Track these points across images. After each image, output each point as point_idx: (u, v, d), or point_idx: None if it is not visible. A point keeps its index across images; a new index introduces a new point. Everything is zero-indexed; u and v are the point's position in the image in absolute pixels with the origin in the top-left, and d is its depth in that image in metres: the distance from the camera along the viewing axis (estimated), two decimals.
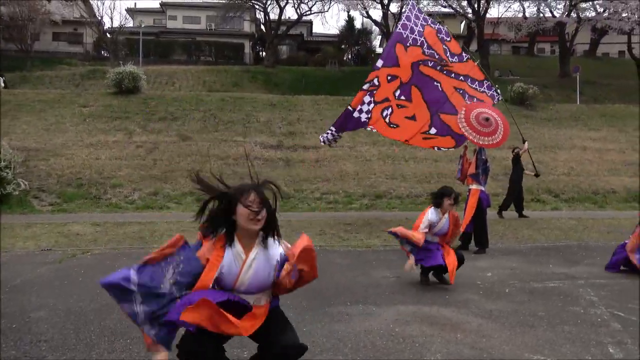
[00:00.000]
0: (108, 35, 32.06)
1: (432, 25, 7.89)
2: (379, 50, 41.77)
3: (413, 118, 7.75)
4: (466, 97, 7.55)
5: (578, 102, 23.68)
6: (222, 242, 2.50)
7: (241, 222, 2.45)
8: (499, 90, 8.01)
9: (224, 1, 32.21)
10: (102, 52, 33.09)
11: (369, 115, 7.86)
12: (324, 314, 4.14)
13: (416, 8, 8.43)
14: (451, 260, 4.92)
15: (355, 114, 7.91)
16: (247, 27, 37.52)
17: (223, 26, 35.09)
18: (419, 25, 7.79)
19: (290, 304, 4.43)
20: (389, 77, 7.71)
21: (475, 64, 7.76)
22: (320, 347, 3.39)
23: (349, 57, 36.68)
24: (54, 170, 13.42)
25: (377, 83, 7.83)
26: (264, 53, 35.17)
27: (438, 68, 7.60)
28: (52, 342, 3.47)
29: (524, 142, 9.79)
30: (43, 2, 28.46)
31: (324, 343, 3.47)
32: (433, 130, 7.77)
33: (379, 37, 41.18)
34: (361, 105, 7.86)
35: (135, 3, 56.89)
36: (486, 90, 7.70)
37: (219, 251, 2.46)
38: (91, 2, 33.85)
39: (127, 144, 15.60)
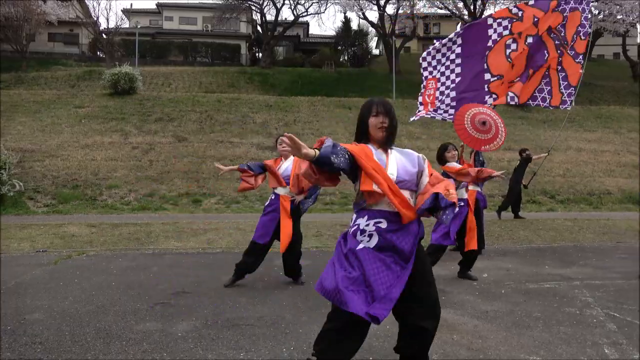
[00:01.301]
0: (104, 36, 31.94)
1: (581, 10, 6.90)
2: (376, 51, 41.86)
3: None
4: (543, 82, 6.90)
5: (573, 104, 23.76)
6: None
7: (371, 131, 2.64)
8: (573, 103, 7.28)
9: (220, 2, 32.18)
10: (98, 53, 32.98)
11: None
12: (320, 315, 4.13)
13: None
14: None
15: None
16: (244, 28, 37.50)
17: (219, 27, 35.06)
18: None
19: (287, 304, 4.44)
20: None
21: (581, 71, 6.90)
22: None
23: (346, 58, 36.70)
24: (50, 172, 13.37)
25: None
26: (260, 54, 35.16)
27: (557, 43, 6.76)
28: (48, 344, 3.45)
29: (548, 152, 9.71)
30: (38, 3, 28.33)
31: None
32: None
33: (375, 39, 41.29)
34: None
35: (131, 4, 56.77)
36: (564, 91, 7.04)
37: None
38: (87, 2, 33.69)
39: (123, 145, 15.56)
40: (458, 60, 6.97)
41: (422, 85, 7.47)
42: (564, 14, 6.52)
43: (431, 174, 2.64)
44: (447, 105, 6.98)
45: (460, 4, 31.02)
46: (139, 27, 32.68)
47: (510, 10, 6.80)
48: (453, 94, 6.94)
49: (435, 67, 7.17)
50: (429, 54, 7.31)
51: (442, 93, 7.08)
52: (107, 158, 14.59)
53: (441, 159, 5.78)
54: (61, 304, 4.41)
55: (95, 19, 32.79)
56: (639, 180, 14.48)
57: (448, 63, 7.04)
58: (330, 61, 32.02)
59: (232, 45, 35.35)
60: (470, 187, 7.25)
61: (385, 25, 32.24)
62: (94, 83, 22.84)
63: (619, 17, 28.44)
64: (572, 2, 6.52)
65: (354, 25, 38.13)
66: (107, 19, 79.72)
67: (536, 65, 6.63)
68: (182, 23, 38.37)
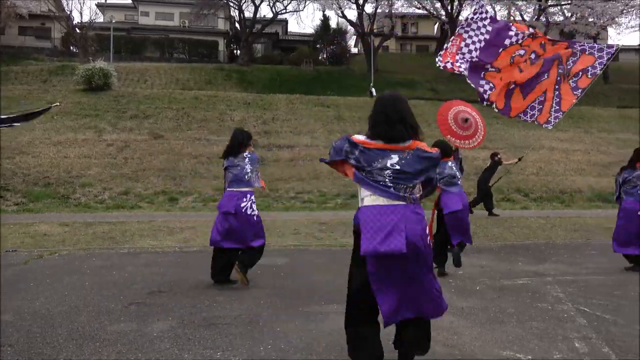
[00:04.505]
0: (77, 30, 31.20)
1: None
2: (354, 50, 41.96)
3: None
4: (538, 100, 7.04)
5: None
6: None
7: None
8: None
9: None
10: (71, 47, 32.20)
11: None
12: (298, 314, 4.14)
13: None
14: None
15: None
16: (222, 24, 37.12)
17: (197, 23, 34.64)
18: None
19: (264, 303, 4.42)
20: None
21: (574, 101, 6.95)
22: (294, 347, 3.39)
23: (324, 56, 36.72)
24: (20, 169, 13.01)
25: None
26: (238, 51, 34.86)
27: (560, 72, 6.89)
28: (18, 346, 3.36)
29: (519, 159, 10.02)
30: None
31: (298, 343, 3.47)
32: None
33: (354, 38, 41.39)
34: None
35: None
36: (553, 113, 7.11)
37: None
38: None
39: (97, 142, 15.25)
40: (482, 37, 7.19)
41: (450, 39, 7.67)
42: (576, 51, 6.80)
43: None
44: (463, 61, 7.15)
45: (438, 4, 31.37)
46: (113, 22, 32.01)
47: (527, 27, 7.38)
48: (468, 57, 7.17)
49: (466, 29, 7.35)
50: (471, 18, 7.46)
51: (461, 51, 7.25)
52: (81, 155, 14.27)
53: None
54: (32, 305, 4.30)
55: (68, 12, 32.03)
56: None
57: (477, 33, 7.25)
58: (308, 59, 31.97)
59: (210, 41, 34.97)
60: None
61: (364, 24, 32.36)
62: (67, 79, 22.29)
63: (590, 19, 29.22)
64: (587, 47, 6.80)
65: (333, 24, 38.27)
66: (81, 13, 78.03)
67: (535, 84, 6.90)
68: (158, 19, 37.75)
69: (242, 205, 4.86)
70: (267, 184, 13.67)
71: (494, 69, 7.00)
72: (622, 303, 4.52)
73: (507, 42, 7.03)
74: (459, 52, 7.18)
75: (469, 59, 7.08)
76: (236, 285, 4.99)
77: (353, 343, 2.79)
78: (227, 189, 5.02)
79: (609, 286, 5.18)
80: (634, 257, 6.01)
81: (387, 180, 2.61)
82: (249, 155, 5.02)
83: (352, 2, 31.49)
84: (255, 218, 4.95)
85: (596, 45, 6.82)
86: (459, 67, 7.09)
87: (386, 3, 31.68)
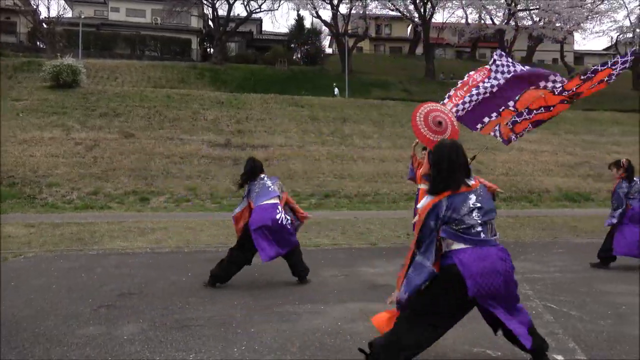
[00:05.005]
0: (44, 25, 30.27)
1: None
2: (329, 50, 42.07)
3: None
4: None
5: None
6: None
7: None
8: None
9: None
10: (38, 43, 31.22)
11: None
12: (272, 314, 4.12)
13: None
14: None
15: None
16: (195, 22, 36.64)
17: (169, 21, 34.08)
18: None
19: (238, 304, 4.39)
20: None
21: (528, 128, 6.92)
22: (268, 348, 3.38)
23: (299, 56, 36.67)
24: None
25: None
26: (212, 50, 34.47)
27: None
28: None
29: (472, 159, 10.14)
30: None
31: (272, 343, 3.45)
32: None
33: (328, 38, 41.50)
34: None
35: None
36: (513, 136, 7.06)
37: None
38: None
39: (65, 141, 14.84)
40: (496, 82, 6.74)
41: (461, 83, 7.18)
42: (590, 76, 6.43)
43: None
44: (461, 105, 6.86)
45: (411, 7, 31.78)
46: (82, 17, 31.16)
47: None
48: (468, 105, 6.79)
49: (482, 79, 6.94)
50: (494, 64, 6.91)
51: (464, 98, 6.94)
52: (48, 154, 13.86)
53: None
54: None
55: (34, 7, 31.05)
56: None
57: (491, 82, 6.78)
58: (283, 59, 31.88)
59: (183, 39, 34.46)
60: (423, 186, 7.45)
61: (339, 25, 32.49)
62: (33, 75, 21.59)
63: (557, 24, 30.10)
64: (600, 66, 6.37)
65: (308, 24, 38.23)
66: (48, 8, 75.66)
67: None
68: (129, 15, 36.98)
69: (277, 217, 4.92)
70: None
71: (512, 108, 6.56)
72: (587, 300, 4.66)
73: (542, 84, 6.45)
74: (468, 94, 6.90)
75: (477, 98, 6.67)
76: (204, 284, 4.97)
77: None
78: (255, 205, 5.01)
79: (575, 283, 5.34)
80: (604, 257, 6.21)
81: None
82: (266, 177, 5.21)
83: (327, 3, 31.58)
84: (289, 226, 5.08)
85: (610, 60, 6.41)
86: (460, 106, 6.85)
87: (360, 4, 31.90)
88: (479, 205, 2.77)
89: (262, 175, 5.17)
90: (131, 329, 3.71)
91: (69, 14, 35.36)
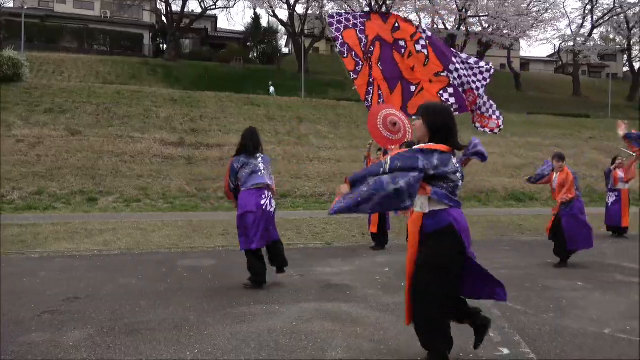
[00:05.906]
0: None
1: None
2: (285, 50, 41.95)
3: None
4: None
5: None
6: None
7: None
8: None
9: None
10: None
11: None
12: (226, 315, 4.07)
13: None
14: None
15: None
16: (147, 17, 35.58)
17: (120, 14, 32.93)
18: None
19: (191, 306, 4.30)
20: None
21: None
22: (223, 350, 3.33)
23: (255, 55, 36.36)
24: None
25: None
26: (165, 46, 33.59)
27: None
28: None
29: None
30: None
31: (226, 345, 3.41)
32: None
33: (285, 38, 41.40)
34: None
35: None
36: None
37: None
38: None
39: (5, 138, 14.03)
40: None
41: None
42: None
43: None
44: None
45: (367, 9, 32.17)
46: (25, 7, 29.56)
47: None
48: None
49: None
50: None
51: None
52: None
53: None
54: None
55: None
56: None
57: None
58: (239, 57, 31.52)
59: (134, 34, 33.37)
60: None
61: (295, 25, 32.47)
62: None
63: (505, 31, 31.39)
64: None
65: (264, 23, 37.90)
66: None
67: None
68: (76, 7, 35.40)
69: (262, 202, 4.89)
70: (195, 184, 13.35)
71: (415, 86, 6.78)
72: (531, 295, 4.89)
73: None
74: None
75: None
76: (161, 287, 4.82)
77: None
78: (243, 188, 4.95)
79: (520, 279, 5.59)
80: (558, 252, 6.52)
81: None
82: (262, 156, 5.11)
83: (284, 2, 31.48)
84: (272, 214, 5.04)
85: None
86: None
87: (317, 4, 31.99)
88: (458, 166, 2.97)
89: (258, 155, 5.09)
90: (77, 335, 3.55)
91: (10, 3, 33.48)
